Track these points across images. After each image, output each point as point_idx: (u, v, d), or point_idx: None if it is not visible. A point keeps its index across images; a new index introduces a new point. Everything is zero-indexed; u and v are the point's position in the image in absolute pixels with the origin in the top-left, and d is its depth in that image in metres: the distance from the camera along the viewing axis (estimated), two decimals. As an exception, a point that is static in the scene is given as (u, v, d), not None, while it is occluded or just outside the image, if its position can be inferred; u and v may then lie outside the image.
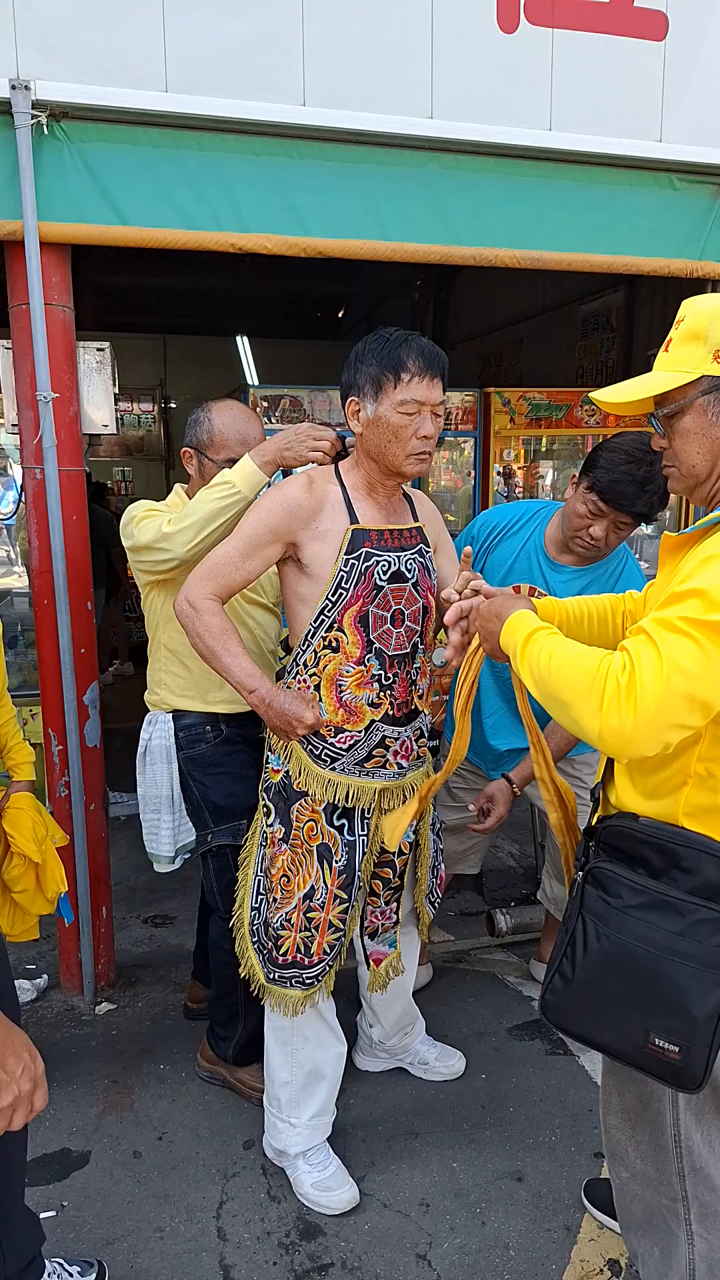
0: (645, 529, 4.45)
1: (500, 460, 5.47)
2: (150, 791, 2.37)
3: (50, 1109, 2.40)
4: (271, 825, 2.05)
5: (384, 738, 1.98)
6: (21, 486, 2.95)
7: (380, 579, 1.92)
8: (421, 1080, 2.51)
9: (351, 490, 1.95)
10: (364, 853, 2.03)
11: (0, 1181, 1.60)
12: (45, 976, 2.96)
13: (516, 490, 5.44)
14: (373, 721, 1.97)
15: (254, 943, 2.10)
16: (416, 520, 2.06)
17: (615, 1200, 1.69)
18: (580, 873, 1.47)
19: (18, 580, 4.15)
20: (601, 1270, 1.96)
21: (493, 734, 2.58)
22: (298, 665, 1.98)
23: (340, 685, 1.94)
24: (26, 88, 2.32)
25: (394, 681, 1.98)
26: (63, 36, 2.37)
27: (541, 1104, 2.44)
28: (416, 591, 1.99)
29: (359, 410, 1.89)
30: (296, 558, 1.93)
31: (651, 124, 2.86)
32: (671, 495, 1.73)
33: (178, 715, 2.32)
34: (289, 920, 2.01)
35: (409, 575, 1.97)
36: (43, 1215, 2.04)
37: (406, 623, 1.98)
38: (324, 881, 2.00)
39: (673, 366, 1.41)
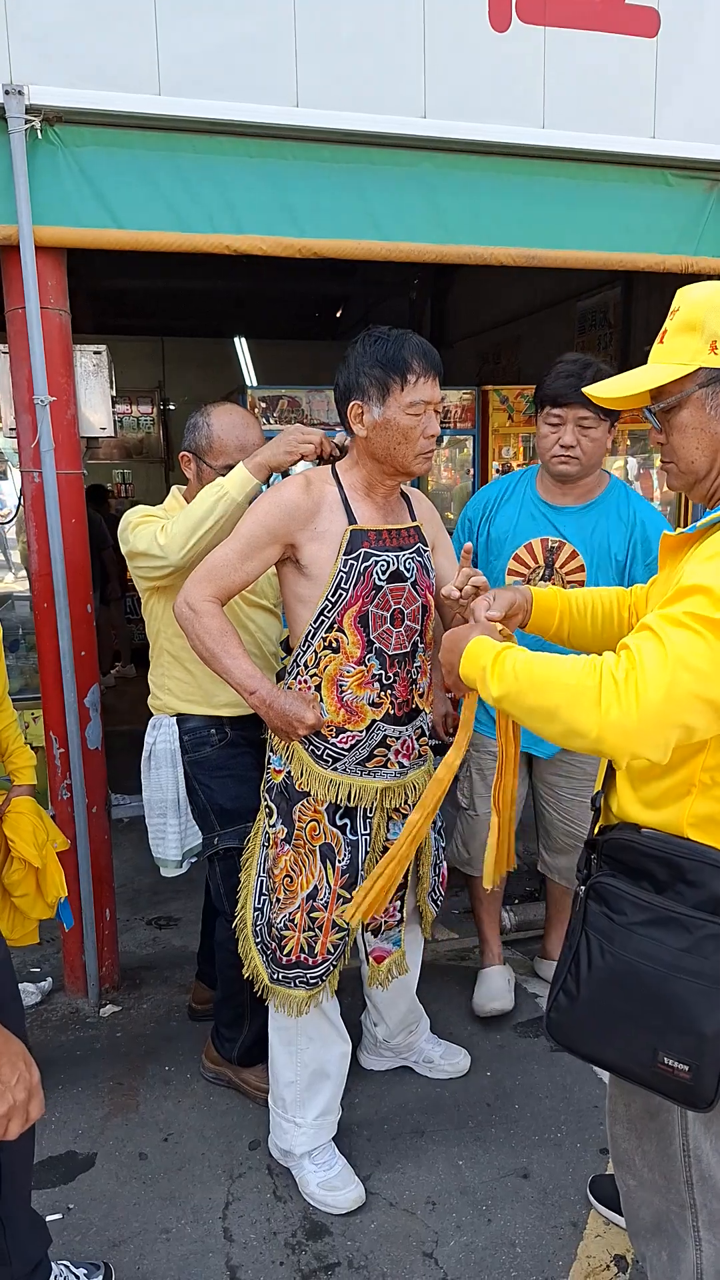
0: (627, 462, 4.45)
1: (499, 458, 5.48)
2: (156, 796, 2.36)
3: (56, 1112, 2.41)
4: (274, 826, 2.05)
5: (385, 737, 1.99)
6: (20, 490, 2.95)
7: (379, 579, 1.92)
8: (426, 1078, 2.52)
9: (349, 490, 1.95)
10: (366, 852, 2.03)
11: (6, 1185, 1.60)
12: (50, 979, 2.96)
13: (516, 488, 5.43)
14: (374, 721, 1.97)
15: (257, 943, 2.10)
16: (414, 519, 2.06)
17: (623, 1206, 1.68)
18: (583, 887, 1.42)
19: (18, 584, 4.15)
20: (608, 1266, 1.96)
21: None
22: (298, 666, 1.98)
23: (341, 685, 1.94)
24: (20, 92, 2.32)
25: (395, 681, 1.98)
26: (56, 41, 2.37)
27: (547, 1101, 2.44)
28: (415, 591, 1.99)
29: (363, 414, 1.87)
30: (295, 559, 1.93)
31: (645, 120, 2.86)
32: (669, 490, 1.72)
33: (182, 719, 2.32)
34: (293, 920, 2.02)
35: (408, 574, 1.97)
36: (49, 1218, 2.04)
37: (406, 622, 1.98)
38: (327, 881, 2.00)
39: (669, 359, 1.36)
